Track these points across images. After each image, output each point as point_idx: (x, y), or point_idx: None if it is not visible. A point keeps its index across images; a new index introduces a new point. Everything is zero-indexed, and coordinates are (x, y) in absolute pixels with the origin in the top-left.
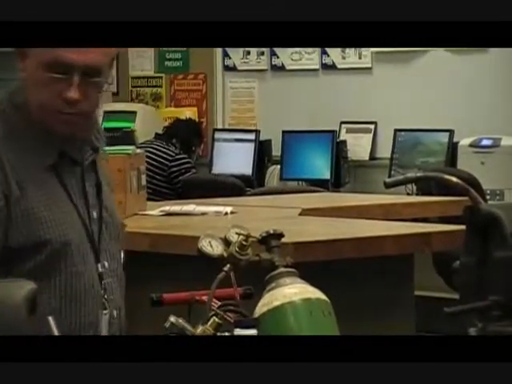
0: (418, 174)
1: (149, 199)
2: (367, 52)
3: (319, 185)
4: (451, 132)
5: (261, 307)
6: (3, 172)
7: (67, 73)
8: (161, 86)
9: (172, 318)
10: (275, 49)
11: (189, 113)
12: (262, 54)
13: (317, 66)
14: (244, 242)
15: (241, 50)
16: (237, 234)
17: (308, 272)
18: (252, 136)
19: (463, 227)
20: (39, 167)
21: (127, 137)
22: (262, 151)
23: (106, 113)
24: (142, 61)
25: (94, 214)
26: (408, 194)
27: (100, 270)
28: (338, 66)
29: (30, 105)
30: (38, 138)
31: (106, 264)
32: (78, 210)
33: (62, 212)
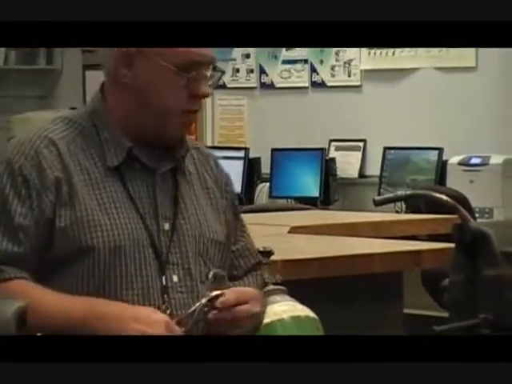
0: (408, 192)
1: None
2: (356, 70)
3: (308, 202)
4: (440, 150)
5: None
6: (56, 179)
7: (198, 69)
8: None
9: None
10: (264, 66)
11: None
12: (252, 71)
13: (306, 84)
14: None
15: (230, 67)
16: None
17: (297, 289)
18: (241, 154)
19: (452, 245)
20: (103, 169)
21: None
22: (251, 169)
23: None
24: None
25: (166, 226)
26: (397, 211)
27: (164, 283)
28: (328, 84)
29: (131, 107)
30: (107, 140)
31: (176, 278)
32: (143, 218)
33: (120, 218)
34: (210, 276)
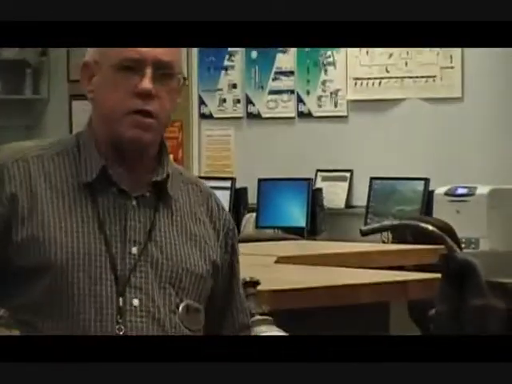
0: (394, 222)
1: None
2: (343, 100)
3: (295, 233)
4: (427, 180)
5: None
6: (13, 195)
7: (138, 67)
8: None
9: None
10: (251, 97)
11: None
12: (238, 101)
13: (293, 114)
14: None
15: (217, 97)
16: None
17: (284, 320)
18: (228, 183)
19: (439, 275)
20: (74, 187)
21: None
22: (238, 199)
23: None
24: None
25: (134, 250)
26: (384, 242)
27: (121, 305)
28: (314, 115)
29: (95, 119)
30: (85, 159)
31: (136, 302)
32: (106, 239)
33: (79, 236)
34: (181, 307)
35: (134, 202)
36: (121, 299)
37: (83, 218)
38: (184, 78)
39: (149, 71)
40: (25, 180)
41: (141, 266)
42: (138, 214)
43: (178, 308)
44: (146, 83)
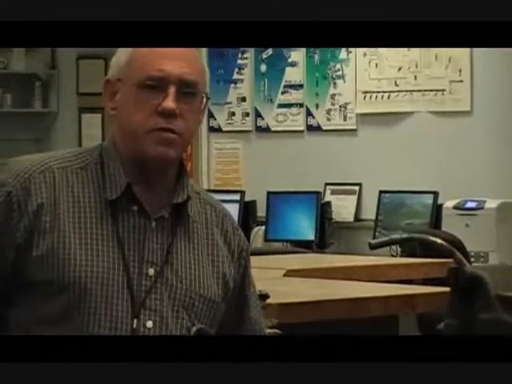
0: (403, 236)
1: None
2: (352, 114)
3: (304, 246)
4: (435, 194)
5: None
6: (39, 206)
7: (162, 86)
8: None
9: None
10: (260, 110)
11: None
12: (247, 115)
13: (302, 128)
14: None
15: (226, 110)
16: None
17: (292, 333)
18: (237, 197)
19: (448, 289)
20: (97, 204)
21: None
22: (247, 212)
23: None
24: None
25: (150, 271)
26: (392, 255)
27: (135, 326)
28: (323, 128)
29: (118, 136)
30: (110, 175)
31: (150, 324)
32: (124, 259)
33: (99, 255)
34: (193, 331)
35: (154, 224)
36: (135, 321)
37: (103, 236)
38: (208, 97)
39: (172, 90)
40: (51, 192)
41: (156, 289)
42: (156, 236)
43: (189, 332)
44: (170, 102)
